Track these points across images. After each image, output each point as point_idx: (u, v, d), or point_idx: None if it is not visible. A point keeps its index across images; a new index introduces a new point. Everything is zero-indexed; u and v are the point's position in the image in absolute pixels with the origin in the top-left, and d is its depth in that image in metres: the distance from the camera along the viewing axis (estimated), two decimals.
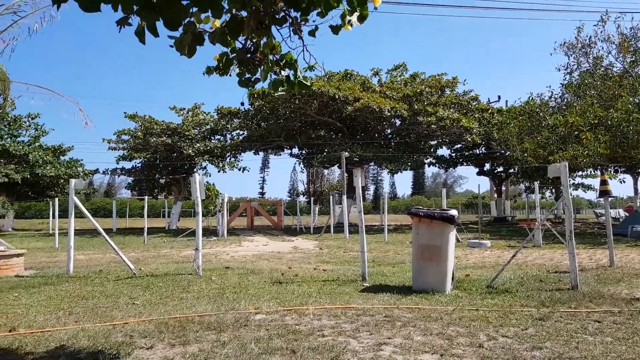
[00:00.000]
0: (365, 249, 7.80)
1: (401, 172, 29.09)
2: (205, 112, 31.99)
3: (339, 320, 5.08)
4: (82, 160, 31.86)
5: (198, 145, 29.28)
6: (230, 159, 31.69)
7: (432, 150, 31.00)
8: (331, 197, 25.39)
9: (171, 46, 3.38)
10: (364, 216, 8.13)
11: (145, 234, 19.49)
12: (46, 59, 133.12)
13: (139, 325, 4.84)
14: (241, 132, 30.96)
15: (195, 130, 30.67)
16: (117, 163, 31.50)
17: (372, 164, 31.24)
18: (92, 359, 3.84)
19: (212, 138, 31.47)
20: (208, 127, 31.54)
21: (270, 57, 3.66)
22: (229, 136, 32.04)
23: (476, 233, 18.85)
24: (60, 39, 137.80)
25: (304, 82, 3.79)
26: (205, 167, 32.01)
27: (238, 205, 33.65)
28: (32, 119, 29.88)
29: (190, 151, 28.63)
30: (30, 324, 5.03)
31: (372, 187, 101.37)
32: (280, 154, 32.38)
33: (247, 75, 3.78)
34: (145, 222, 20.35)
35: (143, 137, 29.18)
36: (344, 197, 22.27)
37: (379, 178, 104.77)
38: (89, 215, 9.65)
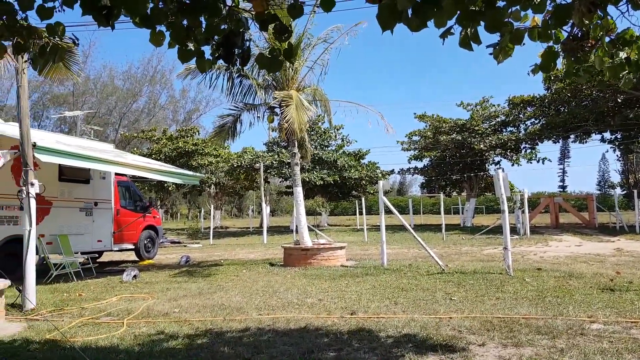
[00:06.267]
0: None
1: None
2: (494, 105, 30.80)
3: None
4: (377, 162, 35.18)
5: (490, 139, 28.36)
6: (526, 151, 29.48)
7: None
8: None
9: (490, 54, 3.32)
10: None
11: (444, 230, 20.02)
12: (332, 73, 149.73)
13: (464, 321, 4.89)
14: (536, 121, 28.38)
15: (485, 124, 29.81)
16: (409, 162, 33.54)
17: None
18: (431, 347, 4.06)
19: (504, 130, 29.98)
20: (499, 119, 30.23)
21: (606, 39, 3.13)
22: (522, 127, 29.88)
23: None
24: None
25: None
26: (498, 162, 30.79)
27: (535, 201, 30.91)
28: (337, 130, 34.73)
29: (481, 146, 27.99)
30: (366, 310, 5.71)
31: None
32: (585, 141, 28.11)
33: (575, 67, 3.35)
34: (442, 218, 20.94)
35: (433, 136, 30.18)
36: None
37: None
38: (397, 213, 10.49)
